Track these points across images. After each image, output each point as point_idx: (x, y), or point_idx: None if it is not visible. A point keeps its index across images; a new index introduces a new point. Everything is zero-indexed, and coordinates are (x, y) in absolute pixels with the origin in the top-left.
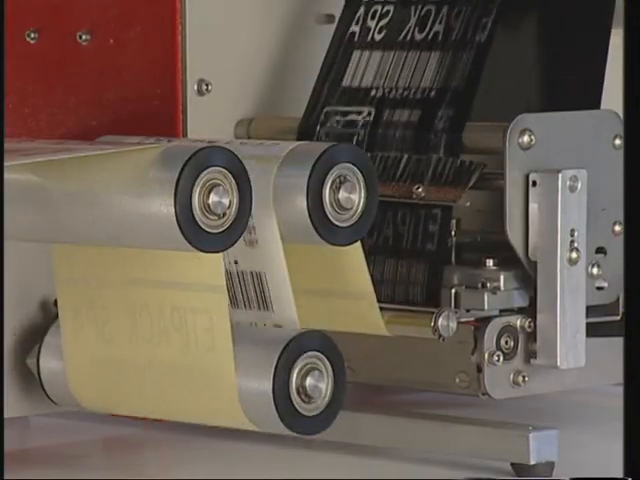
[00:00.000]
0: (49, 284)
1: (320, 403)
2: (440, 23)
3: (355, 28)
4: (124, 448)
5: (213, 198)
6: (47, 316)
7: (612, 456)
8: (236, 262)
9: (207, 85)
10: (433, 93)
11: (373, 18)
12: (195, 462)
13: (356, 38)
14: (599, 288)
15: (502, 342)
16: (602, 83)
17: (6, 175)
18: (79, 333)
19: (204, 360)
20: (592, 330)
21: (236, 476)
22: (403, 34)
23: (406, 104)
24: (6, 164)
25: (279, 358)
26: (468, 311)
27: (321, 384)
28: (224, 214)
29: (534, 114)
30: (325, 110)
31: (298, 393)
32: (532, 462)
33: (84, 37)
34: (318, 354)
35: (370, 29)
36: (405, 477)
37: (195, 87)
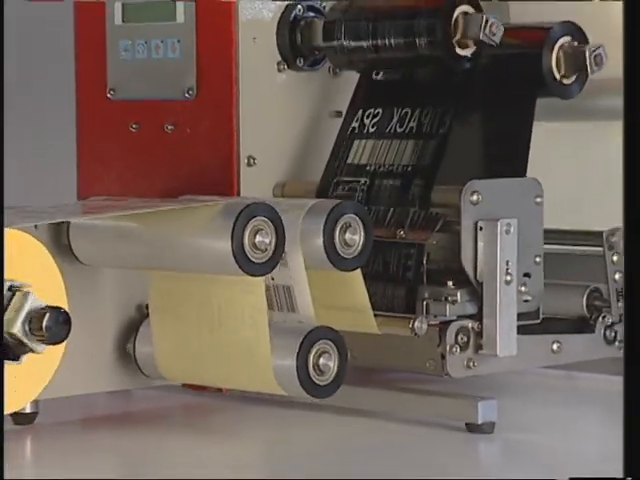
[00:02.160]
0: (143, 293)
1: (329, 376)
2: (414, 121)
3: (355, 124)
4: (197, 411)
5: (258, 238)
6: (141, 315)
7: (534, 416)
8: (272, 279)
9: (253, 159)
10: (410, 169)
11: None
12: (247, 421)
13: (356, 131)
14: (525, 301)
15: (459, 338)
16: (527, 160)
17: (117, 222)
18: (163, 327)
19: (249, 345)
20: (521, 330)
21: (276, 429)
22: (388, 129)
23: (390, 176)
24: (118, 214)
25: (301, 344)
26: (435, 317)
27: (330, 363)
28: (266, 249)
29: (481, 180)
30: (335, 180)
31: (314, 369)
32: (479, 422)
33: (169, 127)
34: (328, 342)
35: (366, 125)
36: (391, 431)
37: (245, 161)
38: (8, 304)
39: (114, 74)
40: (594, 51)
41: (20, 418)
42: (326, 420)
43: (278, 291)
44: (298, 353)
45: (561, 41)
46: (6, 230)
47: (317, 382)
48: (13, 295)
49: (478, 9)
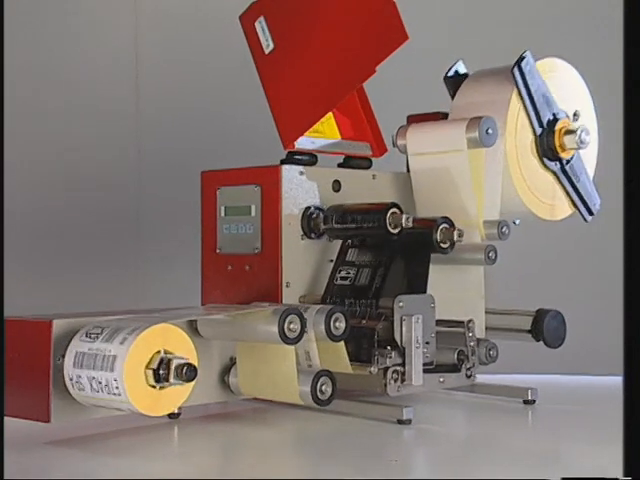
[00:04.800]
0: (232, 351)
1: (327, 395)
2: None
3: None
4: (259, 411)
5: (292, 326)
6: (232, 362)
7: (432, 415)
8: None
9: (289, 284)
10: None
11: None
12: (284, 416)
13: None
14: (426, 356)
15: (393, 375)
16: (426, 284)
17: (217, 316)
18: (242, 368)
19: (286, 379)
20: (424, 371)
21: (298, 421)
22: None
23: (360, 296)
24: (222, 313)
25: (313, 379)
26: (382, 364)
27: (328, 389)
28: (295, 331)
29: (404, 295)
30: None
31: (320, 392)
32: (404, 418)
33: (247, 268)
34: (327, 377)
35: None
36: (356, 423)
37: (285, 285)
38: (163, 364)
39: (220, 240)
40: (459, 233)
41: (172, 415)
42: (324, 417)
43: (301, 351)
44: (311, 383)
45: (442, 226)
46: (165, 324)
47: (321, 398)
48: (168, 359)
49: (401, 210)
